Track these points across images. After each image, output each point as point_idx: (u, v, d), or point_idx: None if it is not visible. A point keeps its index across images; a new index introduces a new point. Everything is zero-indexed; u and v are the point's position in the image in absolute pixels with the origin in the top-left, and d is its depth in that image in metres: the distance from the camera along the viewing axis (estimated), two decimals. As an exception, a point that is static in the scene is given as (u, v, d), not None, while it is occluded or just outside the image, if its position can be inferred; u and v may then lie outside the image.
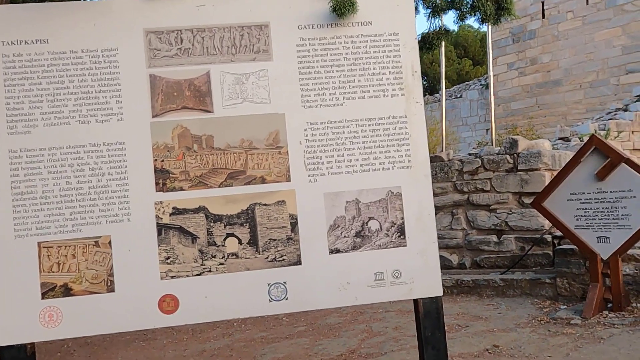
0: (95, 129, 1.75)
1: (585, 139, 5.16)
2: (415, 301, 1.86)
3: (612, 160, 3.88)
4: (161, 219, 1.75)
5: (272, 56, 1.85)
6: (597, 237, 4.00)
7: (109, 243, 1.72)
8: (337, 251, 1.82)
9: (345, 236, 1.82)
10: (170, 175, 1.77)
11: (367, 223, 1.84)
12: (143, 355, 4.02)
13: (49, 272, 1.69)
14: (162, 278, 1.73)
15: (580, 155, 4.08)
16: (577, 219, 4.09)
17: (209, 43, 1.82)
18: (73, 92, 1.75)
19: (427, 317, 1.84)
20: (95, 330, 1.73)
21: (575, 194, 4.11)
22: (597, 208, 4.00)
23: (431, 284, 1.84)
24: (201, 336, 4.39)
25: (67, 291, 1.70)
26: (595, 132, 7.73)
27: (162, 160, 1.77)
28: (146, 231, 1.74)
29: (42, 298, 1.68)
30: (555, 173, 4.81)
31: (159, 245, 1.74)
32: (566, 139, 8.31)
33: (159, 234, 1.75)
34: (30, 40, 1.75)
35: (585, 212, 4.06)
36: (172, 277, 1.74)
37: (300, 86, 1.85)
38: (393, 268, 1.83)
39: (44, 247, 1.70)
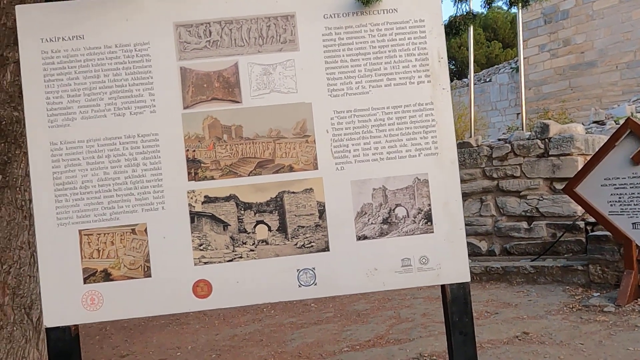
0: (130, 121, 1.81)
1: (621, 122, 5.00)
2: (443, 287, 1.87)
3: (648, 144, 3.76)
4: (194, 207, 1.81)
5: (299, 46, 1.87)
6: (632, 223, 3.90)
7: (145, 230, 1.80)
8: (365, 238, 1.84)
9: (372, 223, 1.85)
10: (202, 164, 1.83)
11: (394, 210, 1.85)
12: (177, 339, 4.16)
13: (89, 258, 1.78)
14: (195, 264, 1.80)
15: (615, 139, 3.97)
16: (611, 205, 3.99)
17: (236, 35, 1.86)
18: (108, 86, 1.81)
19: (455, 302, 1.85)
20: (134, 313, 1.81)
21: (610, 179, 4.01)
22: (632, 193, 3.90)
23: (458, 270, 1.85)
24: (232, 321, 4.51)
25: (107, 276, 1.78)
26: (632, 115, 7.46)
27: (194, 151, 1.83)
28: (180, 219, 1.80)
29: (84, 283, 1.77)
30: (588, 158, 4.69)
31: (192, 232, 1.80)
32: (601, 123, 8.05)
33: (192, 221, 1.81)
34: (67, 36, 1.82)
35: (619, 197, 3.96)
36: (205, 263, 1.80)
37: (326, 75, 1.86)
38: (420, 254, 1.84)
39: (84, 235, 1.78)
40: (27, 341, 2.54)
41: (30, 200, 2.56)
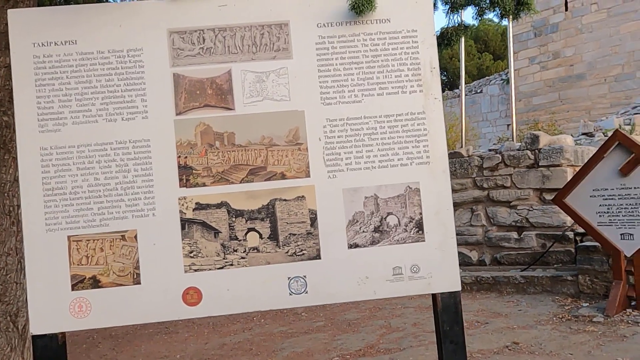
0: (121, 127, 1.81)
1: (610, 134, 5.07)
2: (434, 296, 1.87)
3: (636, 155, 3.81)
4: (185, 214, 1.80)
5: (292, 54, 1.88)
6: (621, 234, 3.94)
7: (135, 237, 1.78)
8: (356, 246, 1.84)
9: (364, 231, 1.85)
10: (193, 171, 1.82)
11: (385, 218, 1.86)
12: (165, 348, 4.11)
13: (78, 264, 1.76)
14: (185, 271, 1.79)
15: (604, 151, 4.02)
16: (600, 216, 4.03)
17: (230, 42, 1.87)
18: (100, 92, 1.81)
19: (446, 311, 1.85)
20: (122, 320, 1.79)
21: (598, 190, 4.05)
22: (621, 204, 3.94)
23: (449, 279, 1.86)
24: (222, 330, 4.47)
25: (95, 283, 1.76)
26: (620, 127, 7.56)
27: (186, 157, 1.82)
28: (170, 226, 1.79)
29: (72, 289, 1.75)
30: (577, 169, 4.74)
31: (182, 239, 1.79)
32: (590, 134, 8.15)
33: (183, 228, 1.80)
34: (60, 41, 1.81)
35: (608, 208, 4.00)
36: (196, 271, 1.79)
37: (319, 83, 1.87)
38: (411, 263, 1.85)
39: (73, 241, 1.76)
40: (12, 349, 2.50)
41: (19, 206, 2.53)
